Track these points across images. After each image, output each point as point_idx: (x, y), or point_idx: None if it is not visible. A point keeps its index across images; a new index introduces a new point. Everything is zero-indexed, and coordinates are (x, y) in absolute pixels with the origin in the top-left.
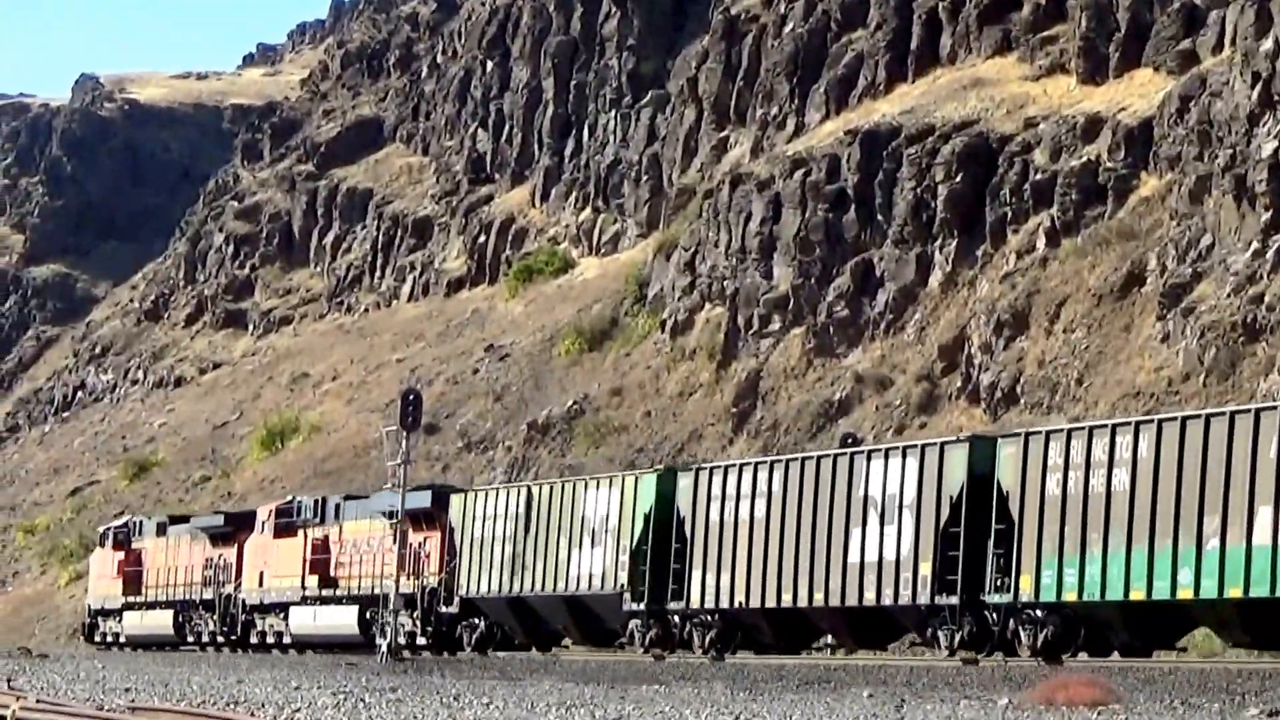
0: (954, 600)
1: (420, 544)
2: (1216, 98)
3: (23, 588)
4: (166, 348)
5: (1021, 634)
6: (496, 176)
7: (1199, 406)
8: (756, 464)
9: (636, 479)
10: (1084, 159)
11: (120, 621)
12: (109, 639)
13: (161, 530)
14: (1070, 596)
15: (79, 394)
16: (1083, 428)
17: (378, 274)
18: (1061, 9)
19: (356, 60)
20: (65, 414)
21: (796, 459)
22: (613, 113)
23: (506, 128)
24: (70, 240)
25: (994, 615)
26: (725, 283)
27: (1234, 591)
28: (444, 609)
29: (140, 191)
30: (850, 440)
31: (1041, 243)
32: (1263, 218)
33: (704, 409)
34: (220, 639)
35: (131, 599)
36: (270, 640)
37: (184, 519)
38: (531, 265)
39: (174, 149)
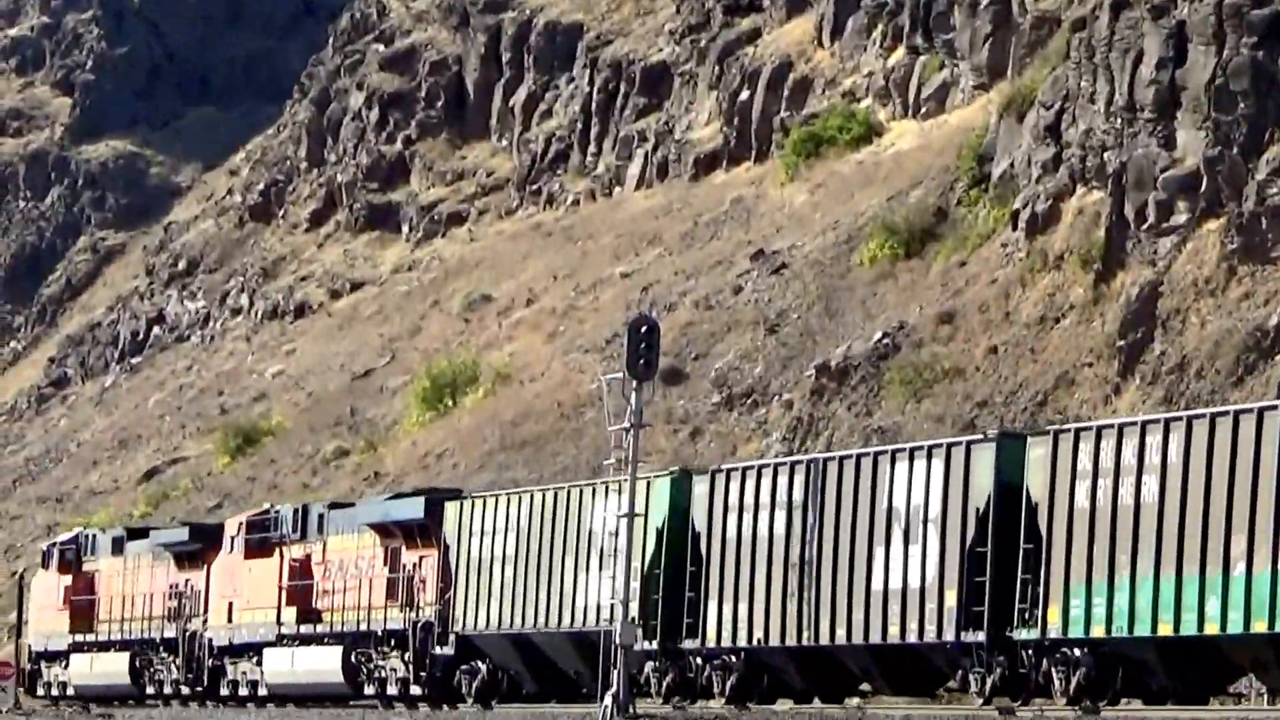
0: (980, 637)
1: (415, 565)
2: None
3: None
4: (282, 262)
5: (1054, 676)
6: (765, 3)
7: None
8: (776, 465)
9: (649, 484)
10: None
11: (66, 668)
12: (53, 690)
13: (118, 547)
14: (1098, 631)
15: (155, 330)
16: (1112, 425)
17: (591, 149)
18: None
19: None
20: (135, 360)
21: (817, 459)
22: None
23: None
24: (139, 107)
25: (1025, 654)
26: (1106, 155)
27: (1259, 625)
28: (438, 649)
29: (240, 36)
30: None
31: None
32: None
33: (1076, 342)
34: (185, 688)
35: (80, 637)
36: (244, 691)
37: (145, 533)
38: (818, 134)
39: None
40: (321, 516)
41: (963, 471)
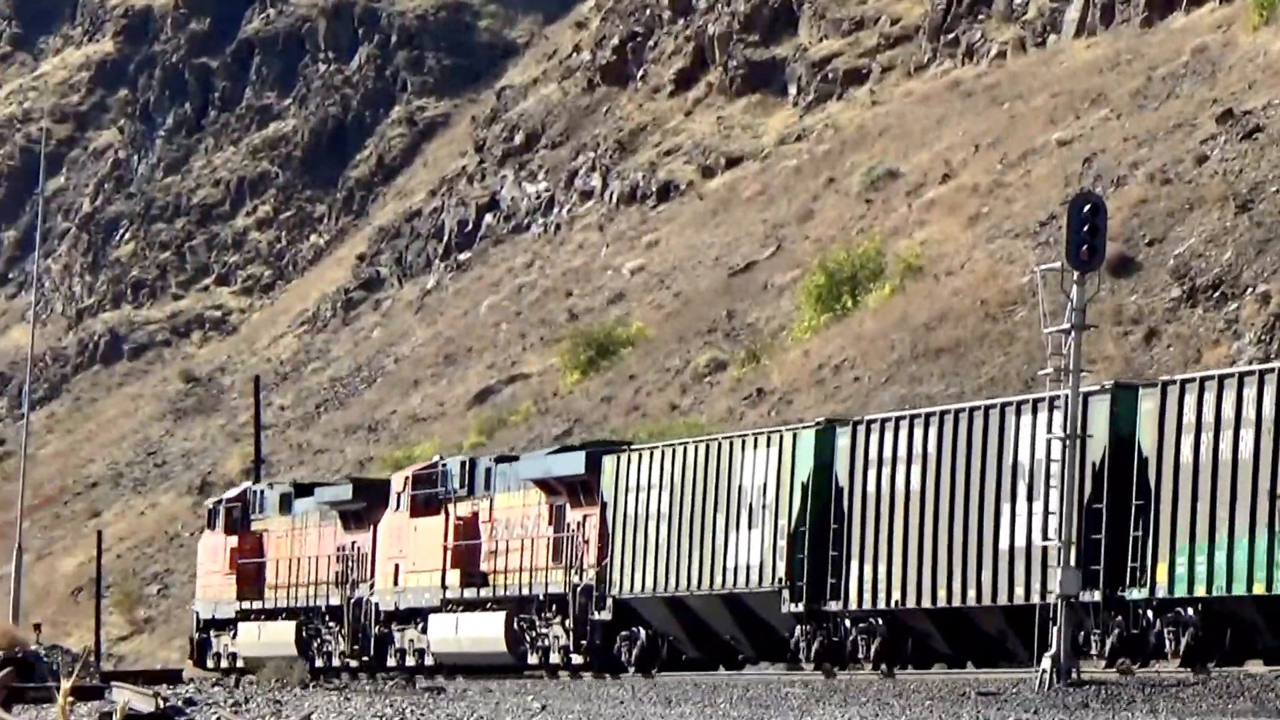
0: (1096, 596)
1: (579, 525)
2: None
3: None
4: (641, 131)
5: (1166, 637)
6: None
7: None
8: (913, 417)
9: (795, 436)
10: None
11: (235, 637)
12: (223, 662)
13: (286, 505)
14: (1201, 590)
15: (486, 218)
16: (1213, 376)
17: None
18: None
19: None
20: (464, 255)
21: (950, 411)
22: None
23: None
24: None
25: (1137, 614)
26: None
27: None
28: (596, 615)
29: None
30: None
31: None
32: None
33: None
34: (352, 661)
35: (248, 604)
36: (410, 662)
37: (312, 489)
38: None
39: None
40: (489, 471)
41: (1079, 424)
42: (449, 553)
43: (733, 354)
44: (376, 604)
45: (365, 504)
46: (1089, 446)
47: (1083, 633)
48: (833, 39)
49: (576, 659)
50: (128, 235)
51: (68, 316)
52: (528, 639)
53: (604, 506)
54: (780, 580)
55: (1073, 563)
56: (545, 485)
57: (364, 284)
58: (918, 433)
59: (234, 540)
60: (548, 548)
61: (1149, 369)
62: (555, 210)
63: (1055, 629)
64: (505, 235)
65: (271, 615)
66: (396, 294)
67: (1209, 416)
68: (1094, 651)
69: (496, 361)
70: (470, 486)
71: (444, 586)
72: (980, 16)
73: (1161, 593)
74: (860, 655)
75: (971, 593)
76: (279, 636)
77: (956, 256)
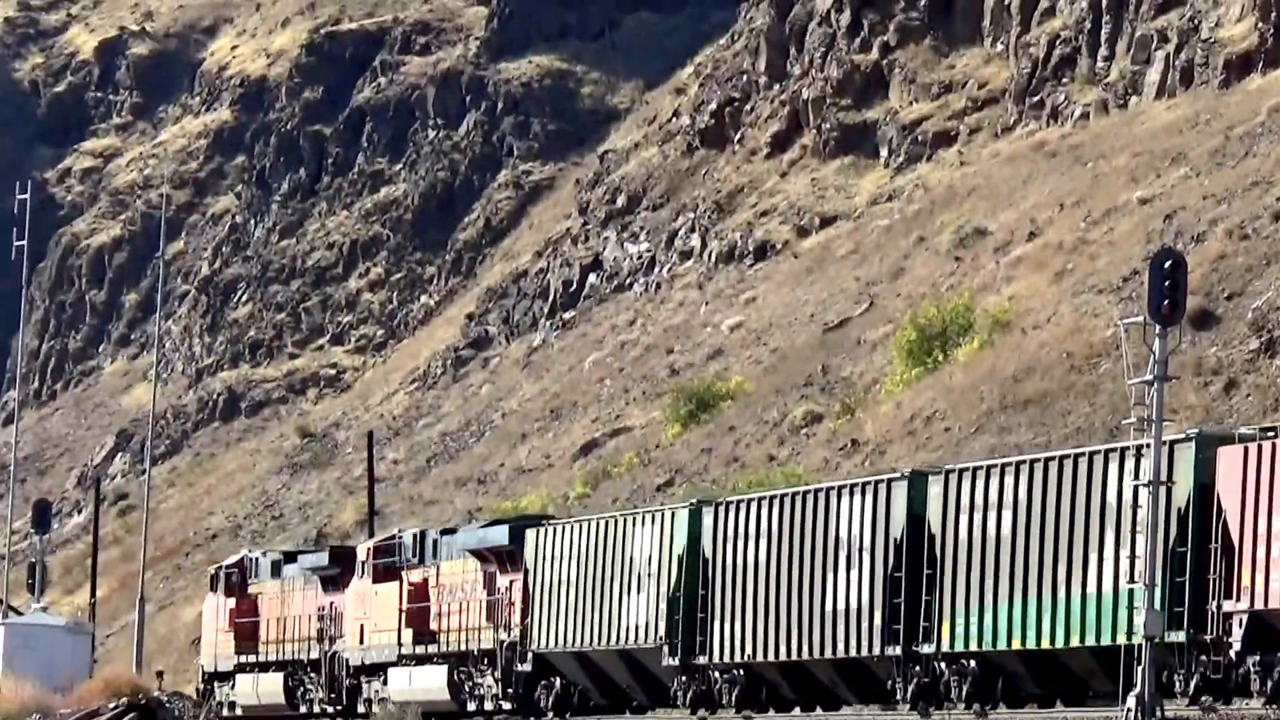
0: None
1: (507, 589)
2: None
3: None
4: (738, 193)
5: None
6: None
7: None
8: (761, 499)
9: (673, 514)
10: None
11: (233, 688)
12: (224, 711)
13: (276, 570)
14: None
15: (590, 279)
16: (982, 466)
17: (1102, 53)
18: None
19: None
20: (567, 314)
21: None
22: None
23: None
24: (567, 15)
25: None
26: None
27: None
28: (519, 666)
29: None
30: None
31: None
32: None
33: None
34: (330, 708)
35: (245, 658)
36: (376, 710)
37: (296, 557)
38: None
39: None
40: (435, 542)
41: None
42: (403, 614)
43: (828, 407)
44: (347, 659)
45: (340, 570)
46: (890, 526)
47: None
48: (922, 102)
49: (505, 705)
50: (245, 297)
51: (188, 375)
52: (466, 688)
53: (526, 573)
54: (661, 637)
55: (1156, 605)
56: (480, 555)
57: (473, 342)
58: (764, 510)
59: (232, 601)
60: (481, 609)
61: (1228, 418)
62: (656, 270)
63: (1139, 668)
64: (608, 294)
65: (264, 668)
66: (504, 351)
67: (980, 499)
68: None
69: (600, 415)
70: (421, 556)
71: (399, 644)
72: (1064, 79)
73: (945, 647)
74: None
75: (802, 648)
76: (269, 686)
77: (1043, 311)
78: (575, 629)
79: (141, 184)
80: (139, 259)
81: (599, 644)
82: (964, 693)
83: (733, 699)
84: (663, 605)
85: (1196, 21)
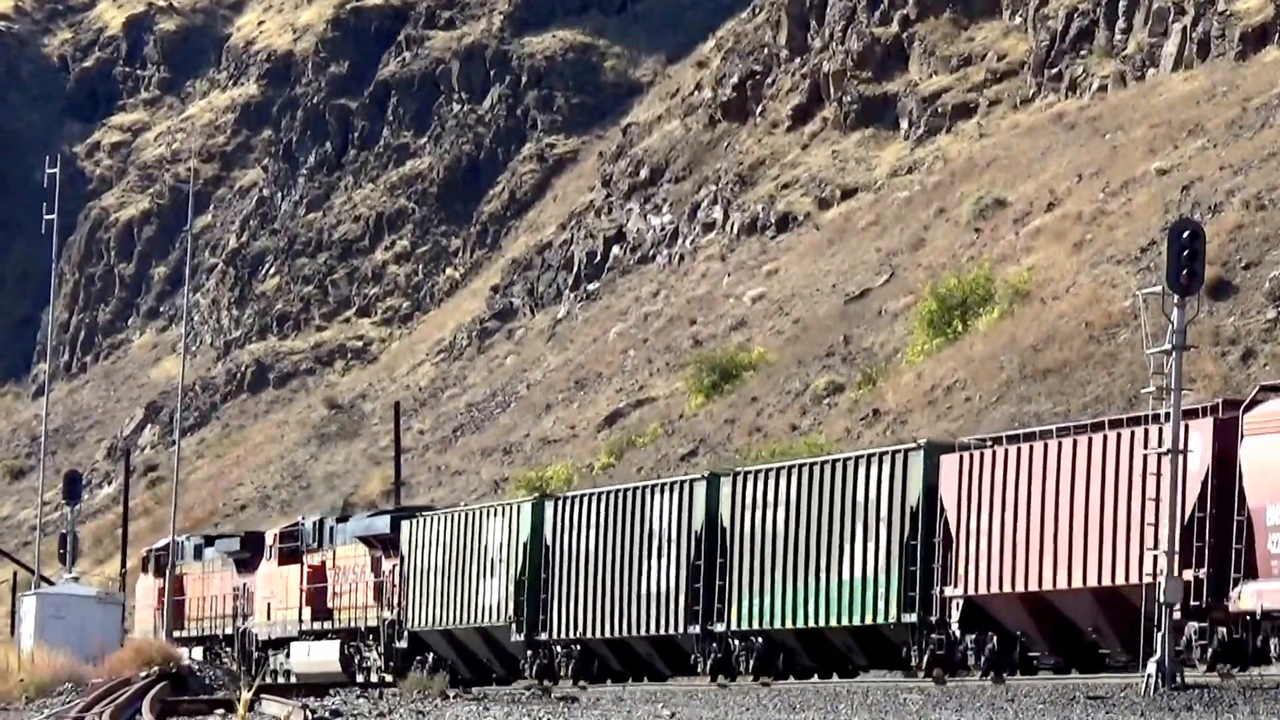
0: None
1: (390, 573)
2: None
3: None
4: (761, 167)
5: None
6: None
7: None
8: (595, 495)
9: (518, 508)
10: None
11: None
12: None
13: (198, 553)
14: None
15: (614, 251)
16: (763, 469)
17: (1119, 25)
18: None
19: None
20: (591, 286)
21: (618, 490)
22: None
23: None
24: None
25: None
26: None
27: None
28: (398, 643)
29: None
30: None
31: None
32: None
33: None
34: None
35: (177, 634)
36: (281, 679)
37: (214, 541)
38: None
39: None
40: (332, 529)
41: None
42: (304, 594)
43: (849, 377)
44: (256, 634)
45: (251, 553)
46: (693, 521)
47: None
48: (942, 75)
49: (388, 677)
50: (272, 270)
51: (216, 348)
52: (355, 662)
53: (402, 559)
54: (509, 617)
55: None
56: (367, 541)
57: (498, 314)
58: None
59: (161, 582)
60: (369, 590)
61: (1246, 386)
62: (679, 241)
63: (1159, 635)
64: (632, 266)
65: (187, 642)
66: (529, 323)
67: (760, 498)
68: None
69: (625, 386)
70: (320, 541)
71: (300, 620)
72: (1082, 52)
73: (734, 626)
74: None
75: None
76: (195, 658)
77: (1062, 282)
78: (442, 609)
79: (169, 158)
80: (167, 232)
81: (461, 623)
82: (750, 665)
83: (569, 671)
84: (511, 588)
85: None
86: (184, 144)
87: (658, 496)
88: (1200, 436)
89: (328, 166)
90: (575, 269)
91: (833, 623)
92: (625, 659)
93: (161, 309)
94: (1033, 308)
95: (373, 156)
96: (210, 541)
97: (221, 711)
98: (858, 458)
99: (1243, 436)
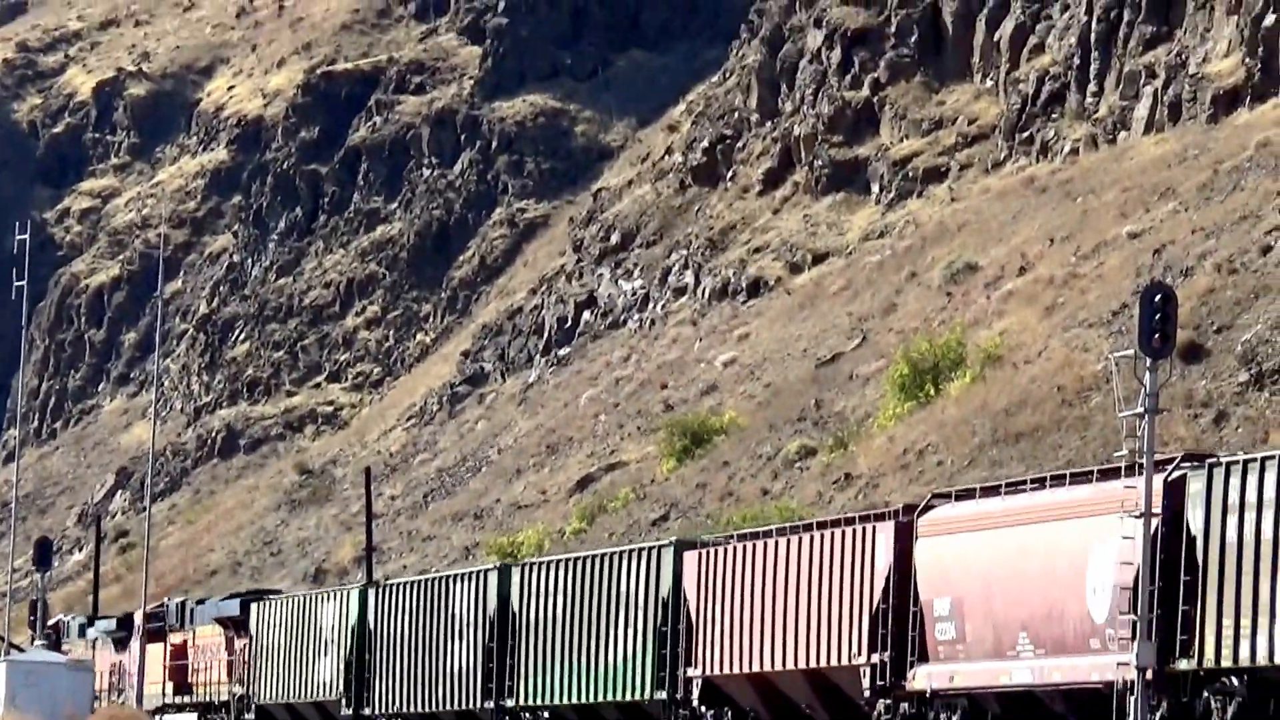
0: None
1: (241, 651)
2: None
3: None
4: (731, 231)
5: None
6: None
7: None
8: (408, 584)
9: (347, 594)
10: None
11: None
12: None
13: (82, 631)
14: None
15: (584, 316)
16: (546, 561)
17: (1090, 89)
18: None
19: None
20: (563, 351)
21: (419, 580)
22: None
23: None
24: (560, 55)
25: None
26: None
27: None
28: (246, 716)
29: None
30: None
31: None
32: None
33: None
34: None
35: None
36: None
37: (93, 621)
38: None
39: None
40: (193, 610)
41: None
42: (167, 670)
43: (821, 441)
44: None
45: (126, 633)
46: (487, 606)
47: None
48: (913, 139)
49: None
50: (243, 335)
51: (187, 413)
52: None
53: (252, 639)
54: (339, 691)
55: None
56: (222, 622)
57: (469, 379)
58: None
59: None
60: (223, 667)
61: (1219, 449)
62: (650, 306)
63: (1131, 700)
64: (603, 331)
65: None
66: (500, 388)
67: (542, 587)
68: None
69: (596, 451)
70: (182, 621)
71: (163, 695)
72: (1053, 115)
73: (524, 701)
74: None
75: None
76: None
77: (1034, 345)
78: (283, 684)
79: (139, 224)
80: (137, 298)
81: (299, 698)
82: None
83: None
84: (340, 666)
85: (1184, 57)
86: (154, 209)
87: (456, 586)
88: (884, 537)
89: (298, 232)
90: (546, 334)
91: (603, 699)
92: None
93: (132, 374)
94: (1005, 371)
95: (343, 221)
96: (91, 621)
97: None
98: (621, 553)
99: (917, 538)
